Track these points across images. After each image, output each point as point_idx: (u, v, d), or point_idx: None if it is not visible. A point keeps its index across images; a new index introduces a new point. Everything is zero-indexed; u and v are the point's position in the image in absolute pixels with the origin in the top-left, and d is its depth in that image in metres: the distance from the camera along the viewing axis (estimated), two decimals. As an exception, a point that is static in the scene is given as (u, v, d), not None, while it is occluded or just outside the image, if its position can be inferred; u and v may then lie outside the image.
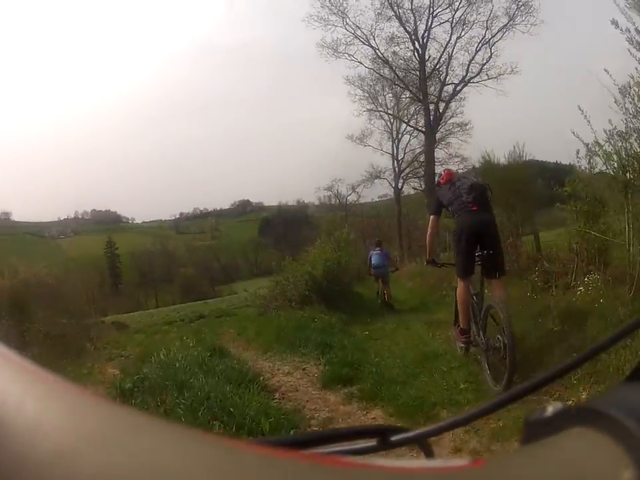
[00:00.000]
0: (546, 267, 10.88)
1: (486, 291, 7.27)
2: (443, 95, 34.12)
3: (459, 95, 34.29)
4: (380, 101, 40.75)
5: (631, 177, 8.29)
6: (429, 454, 0.77)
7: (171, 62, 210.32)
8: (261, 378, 8.15)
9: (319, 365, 8.93)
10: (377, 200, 67.13)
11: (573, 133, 9.09)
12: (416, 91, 34.03)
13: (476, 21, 31.87)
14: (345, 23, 32.97)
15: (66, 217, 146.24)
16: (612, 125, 8.55)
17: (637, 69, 8.50)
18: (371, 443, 0.68)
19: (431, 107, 33.51)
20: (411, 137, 43.76)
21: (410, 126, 39.32)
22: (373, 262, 16.97)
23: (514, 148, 14.99)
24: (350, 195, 58.14)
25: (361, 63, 34.38)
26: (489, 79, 32.24)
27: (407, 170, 44.77)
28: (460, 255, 6.96)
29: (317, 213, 62.42)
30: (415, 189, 44.26)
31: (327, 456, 0.55)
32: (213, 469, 0.33)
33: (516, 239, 13.20)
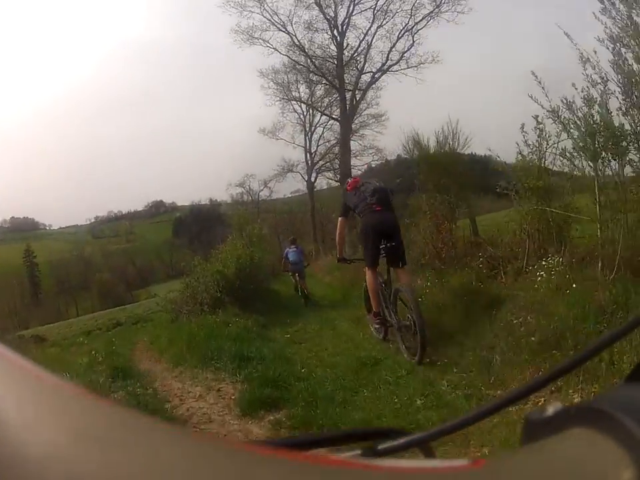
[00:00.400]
0: (490, 251, 9.61)
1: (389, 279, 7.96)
2: (359, 84, 32.67)
3: (376, 83, 33.03)
4: (293, 93, 39.67)
5: (600, 145, 7.34)
6: (429, 454, 0.72)
7: (75, 60, 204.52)
8: (168, 406, 6.59)
9: (236, 382, 7.23)
10: (290, 196, 65.97)
11: (530, 96, 8.04)
12: (332, 79, 32.35)
13: (399, 10, 30.32)
14: (262, 9, 31.11)
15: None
16: (576, 88, 7.67)
17: (605, 31, 7.79)
18: (369, 447, 0.63)
19: (347, 96, 32.27)
20: (325, 130, 42.94)
21: (325, 114, 37.95)
22: (290, 258, 17.20)
23: (442, 129, 13.69)
24: (262, 190, 57.18)
25: (276, 50, 32.45)
26: (408, 67, 30.94)
27: (320, 163, 43.97)
28: (367, 249, 7.67)
29: (229, 210, 60.55)
30: (330, 179, 43.44)
31: (329, 457, 0.50)
32: (214, 470, 0.33)
33: (450, 223, 11.76)
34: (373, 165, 43.25)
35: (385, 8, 30.50)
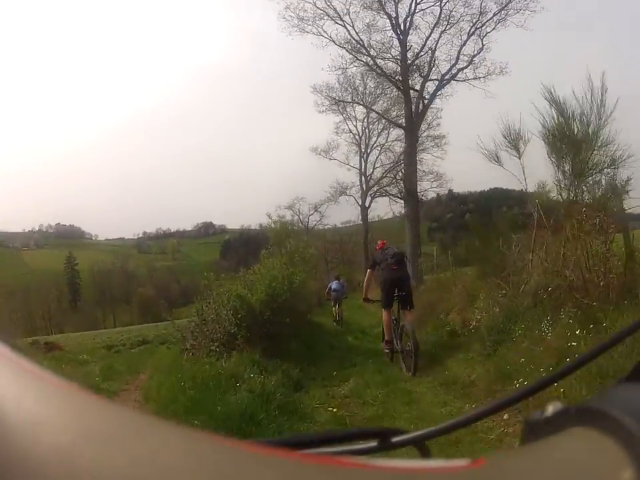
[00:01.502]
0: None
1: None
2: (424, 93, 28.16)
3: (444, 89, 28.59)
4: (349, 111, 38.44)
5: None
6: (426, 455, 0.73)
7: (134, 81, 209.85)
8: None
9: None
10: (340, 226, 62.68)
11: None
12: (396, 80, 27.84)
13: (464, 14, 26.10)
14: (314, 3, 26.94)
15: (30, 229, 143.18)
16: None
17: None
18: (372, 444, 0.67)
19: (412, 101, 27.77)
20: (381, 151, 41.14)
21: (388, 120, 34.46)
22: (333, 287, 19.20)
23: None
24: (312, 214, 53.53)
25: (332, 40, 27.81)
26: (476, 78, 26.70)
27: (375, 188, 41.37)
28: (384, 295, 9.70)
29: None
30: (392, 196, 38.87)
31: (328, 456, 0.51)
32: (213, 469, 0.32)
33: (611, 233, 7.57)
34: (425, 199, 40.31)
35: (449, 12, 26.37)
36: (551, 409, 0.46)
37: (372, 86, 34.33)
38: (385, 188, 40.26)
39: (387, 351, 9.92)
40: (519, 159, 11.07)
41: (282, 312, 10.34)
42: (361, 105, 37.01)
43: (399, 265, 9.75)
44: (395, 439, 0.63)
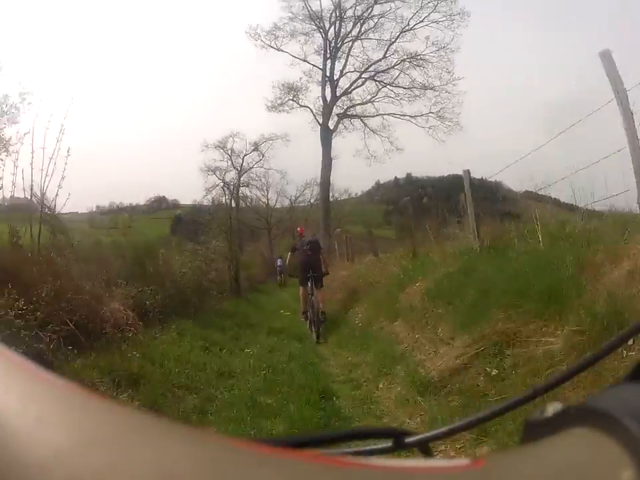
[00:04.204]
0: None
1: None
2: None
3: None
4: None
5: None
6: (429, 455, 0.69)
7: (97, 57, 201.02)
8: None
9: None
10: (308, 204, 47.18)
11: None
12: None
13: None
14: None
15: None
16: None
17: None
18: (382, 444, 0.64)
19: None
20: (362, 43, 27.91)
21: None
22: (278, 264, 26.95)
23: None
24: (249, 153, 39.63)
25: None
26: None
27: (346, 102, 28.44)
28: (301, 275, 11.30)
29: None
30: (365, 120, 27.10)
31: (328, 456, 0.44)
32: (215, 469, 0.32)
33: None
34: (381, 182, 34.50)
35: None
36: (550, 408, 0.44)
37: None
38: (357, 105, 28.19)
39: (302, 319, 11.70)
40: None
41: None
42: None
43: (312, 251, 11.36)
44: (407, 440, 0.60)
